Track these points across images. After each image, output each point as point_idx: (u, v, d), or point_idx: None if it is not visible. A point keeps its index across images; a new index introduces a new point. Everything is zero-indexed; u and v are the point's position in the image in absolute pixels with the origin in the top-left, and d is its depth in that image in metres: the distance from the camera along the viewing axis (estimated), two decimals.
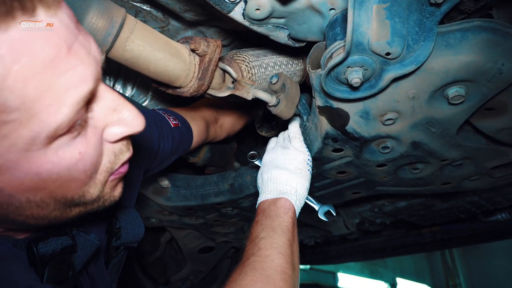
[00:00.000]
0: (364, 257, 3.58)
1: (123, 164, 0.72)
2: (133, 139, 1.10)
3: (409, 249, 3.14)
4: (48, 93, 0.51)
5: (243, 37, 1.52)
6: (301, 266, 7.83)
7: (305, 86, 1.54)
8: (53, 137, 0.55)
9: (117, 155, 0.69)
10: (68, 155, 0.58)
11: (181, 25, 1.42)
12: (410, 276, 10.77)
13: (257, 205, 1.14)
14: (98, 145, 0.64)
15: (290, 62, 1.39)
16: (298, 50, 1.44)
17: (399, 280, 10.36)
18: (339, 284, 8.76)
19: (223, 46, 1.52)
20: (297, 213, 1.12)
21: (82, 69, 0.55)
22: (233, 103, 1.66)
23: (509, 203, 2.01)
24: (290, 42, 1.09)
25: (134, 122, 0.66)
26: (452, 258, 10.98)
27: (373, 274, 9.90)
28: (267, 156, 1.24)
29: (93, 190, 0.67)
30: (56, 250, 0.74)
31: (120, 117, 0.65)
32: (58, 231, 0.77)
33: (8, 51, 0.46)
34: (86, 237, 0.82)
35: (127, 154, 0.71)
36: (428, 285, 11.07)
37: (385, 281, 10.05)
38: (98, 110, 0.62)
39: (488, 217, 2.43)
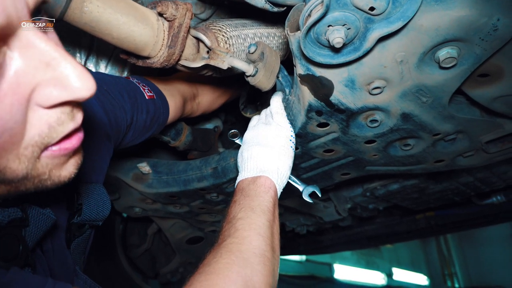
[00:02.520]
0: (359, 246, 3.53)
1: (68, 137, 0.57)
2: (102, 106, 1.01)
3: (404, 236, 3.10)
4: None
5: (223, 10, 1.43)
6: (297, 258, 7.81)
7: (290, 63, 1.45)
8: None
9: (53, 127, 0.53)
10: None
11: None
12: (406, 266, 10.82)
13: (235, 184, 1.06)
14: (18, 108, 0.48)
15: (272, 35, 1.30)
16: (281, 21, 1.36)
17: (395, 270, 10.40)
18: (335, 276, 8.76)
19: (202, 20, 1.43)
20: (279, 193, 1.05)
21: None
22: (213, 79, 1.58)
23: (505, 184, 1.94)
24: (267, 6, 1.01)
25: (77, 84, 0.50)
26: (447, 247, 11.05)
27: (370, 265, 9.92)
28: (248, 134, 1.17)
29: (16, 166, 0.52)
30: (2, 223, 0.66)
31: (56, 75, 0.50)
32: (6, 202, 0.68)
33: None
34: (40, 210, 0.74)
35: (69, 125, 0.55)
36: (424, 274, 11.14)
37: (382, 271, 10.08)
38: (24, 62, 0.48)
39: (483, 200, 2.37)
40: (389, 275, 10.22)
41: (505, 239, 9.35)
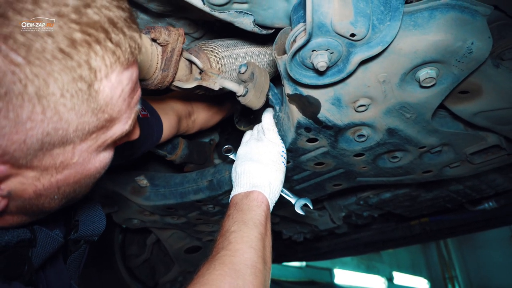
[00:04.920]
0: (356, 252, 3.56)
1: None
2: None
3: (399, 242, 3.13)
4: (128, 109, 0.67)
5: (215, 30, 1.48)
6: (297, 264, 7.82)
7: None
8: (114, 142, 0.69)
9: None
10: (108, 156, 0.71)
11: (150, 18, 1.38)
12: (406, 269, 10.82)
13: (229, 199, 1.10)
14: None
15: (263, 53, 1.35)
16: (272, 40, 1.41)
17: (395, 274, 10.40)
18: (335, 281, 8.76)
19: (195, 39, 1.48)
20: (271, 207, 1.09)
21: (140, 90, 0.70)
22: (209, 97, 1.62)
23: (495, 191, 1.99)
24: (256, 29, 1.06)
25: (137, 135, 0.80)
26: (447, 250, 11.06)
27: (370, 269, 9.92)
28: (241, 150, 1.21)
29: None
30: (10, 242, 0.70)
31: (132, 130, 0.76)
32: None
33: (124, 83, 0.63)
34: (49, 233, 0.78)
35: None
36: (425, 278, 11.13)
37: (382, 275, 10.08)
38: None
39: (475, 206, 2.41)
40: (390, 279, 10.22)
41: (505, 241, 9.37)
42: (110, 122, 0.64)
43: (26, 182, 0.61)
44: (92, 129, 0.61)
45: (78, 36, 0.54)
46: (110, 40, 0.58)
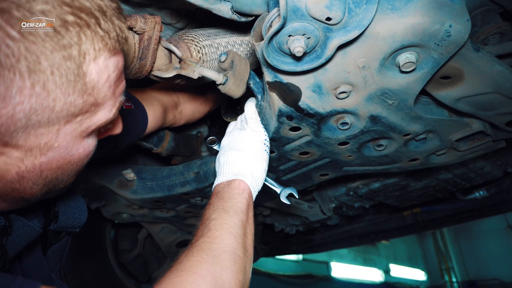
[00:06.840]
0: (350, 243, 3.57)
1: None
2: None
3: (393, 233, 3.14)
4: (113, 96, 0.69)
5: (198, 20, 1.46)
6: (294, 257, 7.84)
7: None
8: (97, 129, 0.71)
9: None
10: (91, 144, 0.73)
11: (131, 8, 1.36)
12: (403, 261, 10.89)
13: (212, 188, 1.09)
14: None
15: (246, 42, 1.33)
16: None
17: (392, 266, 10.46)
18: (332, 274, 8.80)
19: (178, 29, 1.46)
20: (254, 196, 1.08)
21: (124, 82, 0.72)
22: (196, 88, 1.61)
23: (484, 179, 1.98)
24: (235, 16, 1.04)
25: (120, 129, 0.84)
26: (444, 242, 11.13)
27: (367, 262, 9.98)
28: (225, 140, 1.20)
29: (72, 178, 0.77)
30: None
31: (115, 121, 0.80)
32: None
33: (110, 69, 0.65)
34: (26, 222, 0.77)
35: None
36: (422, 270, 11.21)
37: (379, 268, 10.14)
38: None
39: (466, 195, 2.42)
40: (387, 271, 10.28)
41: (501, 232, 9.44)
42: (95, 106, 0.66)
43: (10, 163, 0.62)
44: (77, 111, 0.63)
45: (70, 18, 0.57)
46: (100, 26, 0.61)
